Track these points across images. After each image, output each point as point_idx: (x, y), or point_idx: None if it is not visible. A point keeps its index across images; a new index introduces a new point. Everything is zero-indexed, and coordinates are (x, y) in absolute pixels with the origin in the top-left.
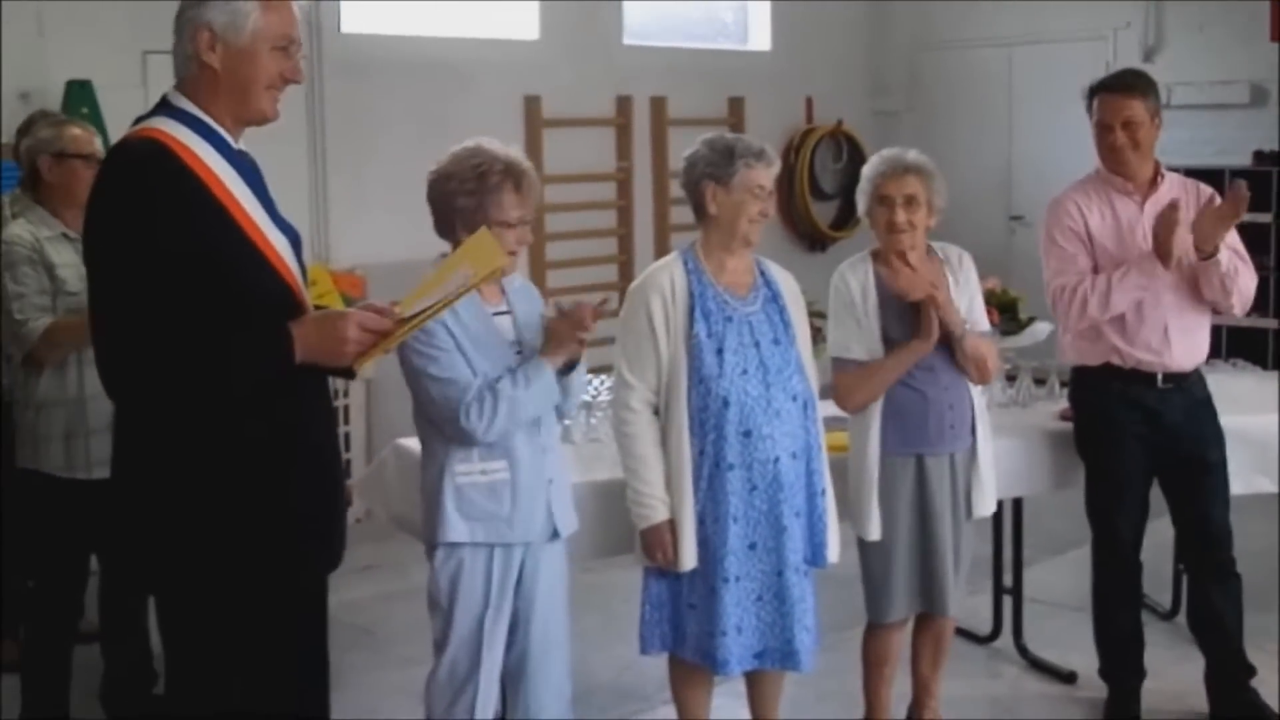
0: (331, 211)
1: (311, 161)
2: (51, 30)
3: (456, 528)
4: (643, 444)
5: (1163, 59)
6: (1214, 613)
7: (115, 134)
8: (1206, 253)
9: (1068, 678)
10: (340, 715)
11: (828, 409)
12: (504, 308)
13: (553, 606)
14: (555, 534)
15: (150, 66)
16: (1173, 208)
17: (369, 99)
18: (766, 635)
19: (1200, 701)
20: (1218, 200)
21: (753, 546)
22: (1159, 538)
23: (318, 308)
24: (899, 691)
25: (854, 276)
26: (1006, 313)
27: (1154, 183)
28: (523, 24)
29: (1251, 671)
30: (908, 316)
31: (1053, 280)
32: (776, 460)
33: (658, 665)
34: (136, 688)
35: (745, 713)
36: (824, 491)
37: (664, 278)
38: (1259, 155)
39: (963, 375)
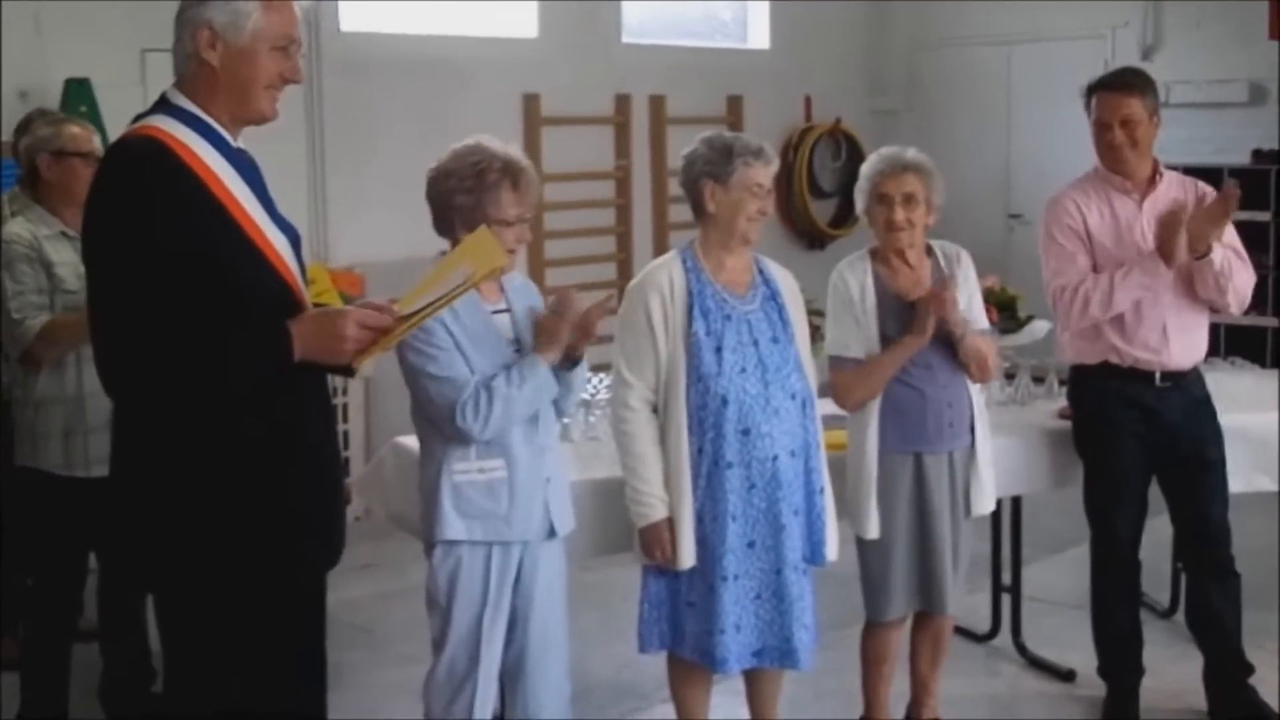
0: (330, 210)
1: (310, 160)
2: (50, 28)
3: (454, 526)
4: (641, 442)
5: (1161, 57)
6: (1213, 611)
7: (114, 132)
8: (1200, 252)
9: (1066, 676)
10: (339, 714)
11: (826, 407)
12: (503, 306)
13: (551, 605)
14: (553, 532)
15: (149, 65)
16: (1176, 208)
17: (368, 97)
18: (765, 633)
19: (1199, 700)
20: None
21: (751, 545)
22: (1157, 536)
23: (316, 306)
24: (898, 690)
25: (852, 275)
26: (1005, 311)
27: (1152, 181)
28: (522, 22)
29: (1250, 670)
30: (906, 315)
31: (1053, 279)
32: (775, 458)
33: (656, 663)
34: (135, 686)
35: (744, 711)
36: (822, 490)
37: (663, 276)
38: (1257, 154)
39: (961, 373)
